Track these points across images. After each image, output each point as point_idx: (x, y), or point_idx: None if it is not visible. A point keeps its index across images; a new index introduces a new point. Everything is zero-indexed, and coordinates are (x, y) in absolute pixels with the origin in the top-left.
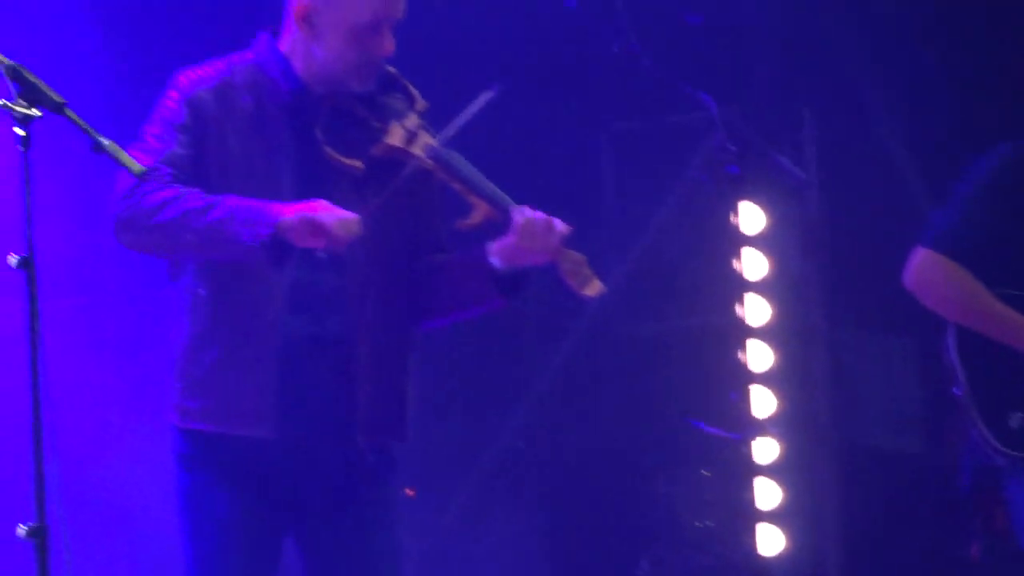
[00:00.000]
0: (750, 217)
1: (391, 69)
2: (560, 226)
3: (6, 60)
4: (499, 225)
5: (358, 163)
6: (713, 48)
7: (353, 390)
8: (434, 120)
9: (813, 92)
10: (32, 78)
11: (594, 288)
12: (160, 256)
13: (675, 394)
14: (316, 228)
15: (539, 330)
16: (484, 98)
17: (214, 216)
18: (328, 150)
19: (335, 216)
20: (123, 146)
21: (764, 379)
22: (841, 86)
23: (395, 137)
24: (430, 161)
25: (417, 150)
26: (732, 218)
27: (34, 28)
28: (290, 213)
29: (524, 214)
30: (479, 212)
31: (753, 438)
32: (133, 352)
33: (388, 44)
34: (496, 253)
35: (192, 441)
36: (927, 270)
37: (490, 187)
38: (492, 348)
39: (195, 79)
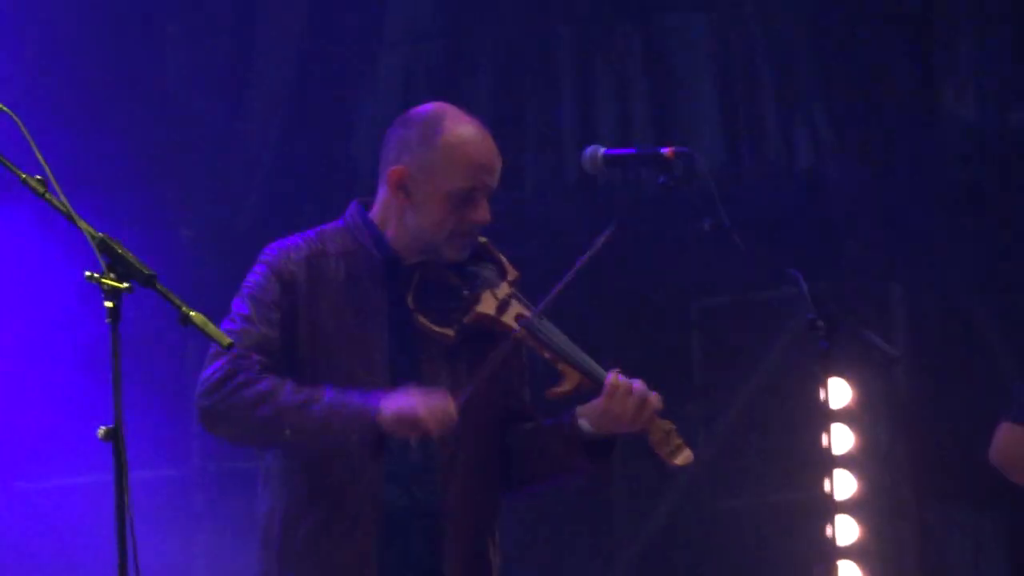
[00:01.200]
0: (838, 392)
1: (482, 239)
2: (652, 395)
3: (96, 233)
4: (590, 394)
5: (450, 331)
6: (802, 224)
7: (442, 561)
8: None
9: (902, 267)
10: (121, 250)
11: (684, 458)
12: (253, 447)
13: (763, 569)
14: (413, 423)
15: (628, 499)
16: (575, 270)
17: (311, 413)
18: (420, 318)
19: (432, 410)
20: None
21: (851, 554)
22: (930, 261)
23: (487, 306)
24: (522, 330)
25: (509, 320)
26: (821, 393)
27: None
28: (389, 408)
29: (617, 381)
30: (570, 381)
31: None
32: (219, 528)
33: (484, 212)
34: (585, 416)
35: None
36: (1011, 444)
37: (582, 356)
38: (580, 516)
39: (284, 249)
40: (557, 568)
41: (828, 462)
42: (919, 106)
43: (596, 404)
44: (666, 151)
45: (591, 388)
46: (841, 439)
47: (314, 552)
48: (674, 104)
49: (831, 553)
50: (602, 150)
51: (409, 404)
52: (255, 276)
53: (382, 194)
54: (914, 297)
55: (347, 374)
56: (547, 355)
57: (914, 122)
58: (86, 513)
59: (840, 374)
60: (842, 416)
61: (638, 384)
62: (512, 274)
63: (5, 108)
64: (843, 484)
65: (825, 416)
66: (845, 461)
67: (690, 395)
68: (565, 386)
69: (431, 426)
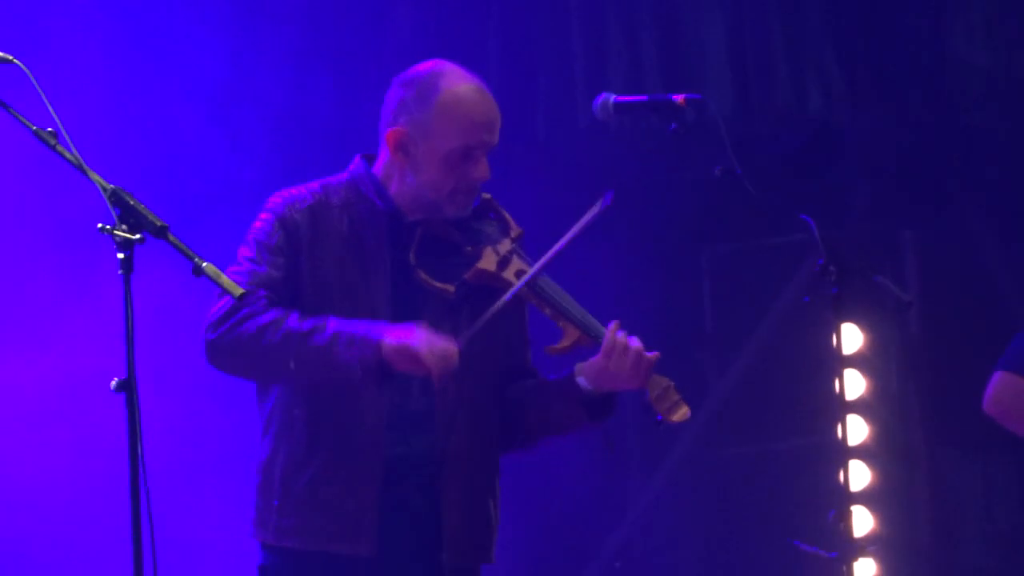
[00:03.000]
0: (850, 337)
1: (486, 195)
2: (649, 353)
3: (108, 185)
4: (590, 351)
5: (450, 287)
6: (813, 170)
7: (440, 511)
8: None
9: (914, 212)
10: (133, 202)
11: (681, 415)
12: (257, 380)
13: (774, 514)
14: (415, 359)
15: (640, 450)
16: (577, 228)
17: (316, 340)
18: (421, 274)
19: (434, 348)
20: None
21: (863, 499)
22: (941, 206)
23: (488, 262)
24: (523, 287)
25: (510, 275)
26: (832, 338)
27: None
28: (391, 339)
29: (614, 339)
30: (569, 338)
31: (853, 558)
32: (228, 474)
33: (483, 170)
34: (584, 374)
35: (282, 558)
36: (1007, 394)
37: (582, 313)
38: (589, 469)
39: (288, 199)
40: (568, 517)
41: (840, 407)
42: (930, 50)
43: (594, 362)
44: (677, 98)
45: (590, 345)
46: (853, 384)
47: (314, 500)
48: (683, 51)
49: (843, 498)
50: (613, 98)
51: (413, 339)
52: (260, 223)
53: (383, 154)
54: (925, 242)
55: None
56: (547, 311)
57: (924, 65)
58: None
59: (852, 319)
60: (854, 361)
61: (635, 341)
62: (515, 230)
63: (15, 60)
64: (855, 429)
65: (837, 361)
66: (857, 406)
67: (701, 342)
68: (564, 343)
69: (432, 364)
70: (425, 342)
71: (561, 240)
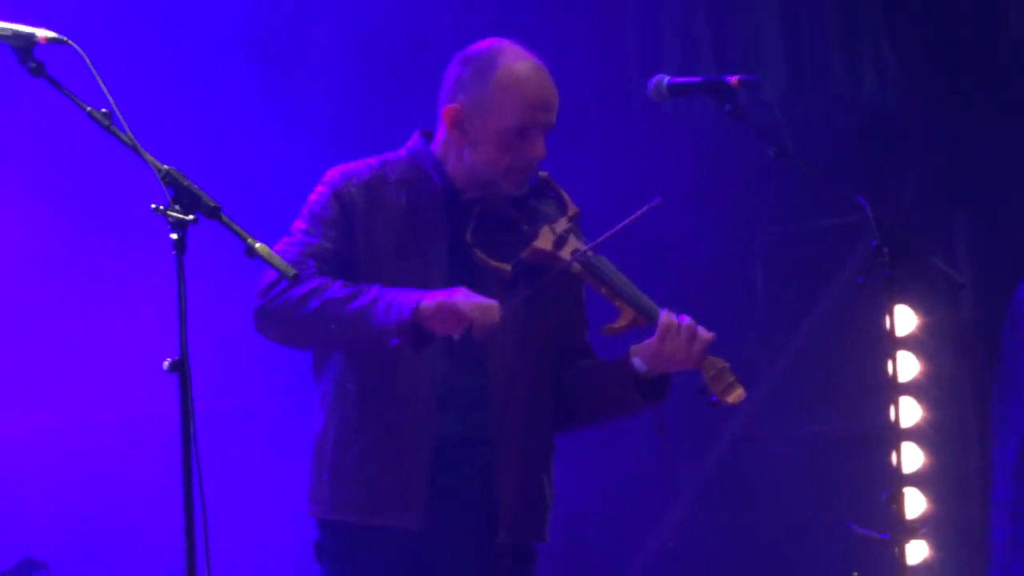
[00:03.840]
0: (903, 319)
1: (543, 174)
2: (704, 333)
3: (162, 166)
4: (645, 331)
5: (506, 266)
6: (867, 152)
7: (494, 489)
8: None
9: (967, 196)
10: (187, 183)
11: (736, 396)
12: (303, 348)
13: (826, 496)
14: (455, 314)
15: (693, 430)
16: (641, 210)
17: (357, 304)
18: (477, 252)
19: (474, 302)
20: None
21: (916, 481)
22: (995, 188)
23: (544, 241)
24: (578, 266)
25: (565, 254)
26: (886, 320)
27: None
28: (430, 299)
29: (669, 320)
30: (625, 318)
31: (905, 540)
32: (282, 452)
33: (539, 149)
34: (639, 355)
35: (335, 532)
36: None
37: (637, 293)
38: (643, 449)
39: (346, 173)
40: (620, 497)
41: (893, 389)
42: (984, 32)
43: (650, 343)
44: (731, 79)
45: (646, 325)
46: (906, 366)
47: (365, 474)
48: (738, 33)
49: (896, 480)
50: (667, 79)
51: (451, 296)
52: (315, 196)
53: (440, 132)
54: (978, 224)
55: None
56: (603, 291)
57: (979, 48)
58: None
59: (905, 301)
60: (907, 343)
61: (690, 322)
62: (572, 209)
63: (71, 42)
64: (908, 411)
65: (890, 343)
66: (910, 388)
67: (754, 323)
68: (621, 322)
69: (473, 315)
70: (464, 296)
71: (623, 221)
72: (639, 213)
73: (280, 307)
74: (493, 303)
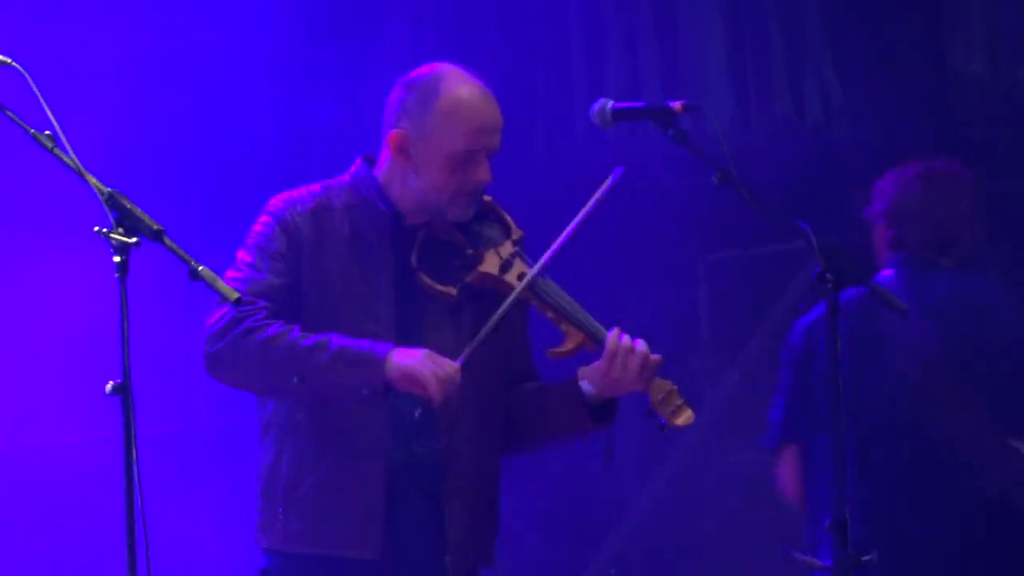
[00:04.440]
0: None
1: (487, 198)
2: (652, 356)
3: (105, 188)
4: (593, 354)
5: (452, 290)
6: (810, 180)
7: (443, 514)
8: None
9: None
10: (130, 205)
11: (685, 418)
12: (257, 394)
13: (771, 523)
14: (417, 384)
15: (636, 456)
16: (573, 226)
17: (320, 361)
18: (422, 277)
19: (437, 373)
20: (217, 271)
21: None
22: None
23: (490, 265)
24: (525, 290)
25: (511, 279)
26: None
27: None
28: (395, 364)
29: (617, 343)
30: (572, 341)
31: (849, 568)
32: (224, 478)
33: (484, 174)
34: (586, 378)
35: (286, 561)
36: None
37: (584, 316)
38: (585, 475)
39: (289, 202)
40: (565, 521)
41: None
42: (930, 63)
43: (597, 366)
44: (675, 105)
45: (593, 348)
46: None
47: (320, 506)
48: (683, 59)
49: (841, 507)
50: (611, 103)
51: (417, 365)
52: (260, 227)
53: (384, 157)
54: None
55: (353, 329)
56: (550, 315)
57: (923, 76)
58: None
59: None
60: None
61: (639, 344)
62: (516, 233)
63: (14, 63)
64: None
65: (833, 368)
66: None
67: (697, 349)
68: (567, 346)
69: (434, 390)
70: (429, 368)
71: (559, 240)
72: (571, 228)
73: (235, 356)
74: (454, 369)
